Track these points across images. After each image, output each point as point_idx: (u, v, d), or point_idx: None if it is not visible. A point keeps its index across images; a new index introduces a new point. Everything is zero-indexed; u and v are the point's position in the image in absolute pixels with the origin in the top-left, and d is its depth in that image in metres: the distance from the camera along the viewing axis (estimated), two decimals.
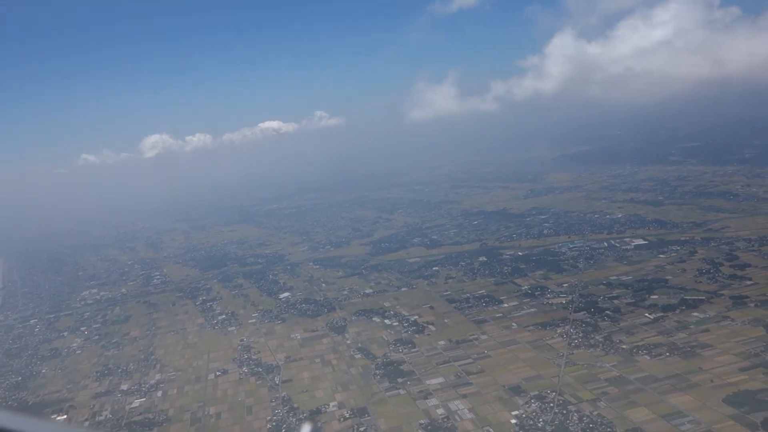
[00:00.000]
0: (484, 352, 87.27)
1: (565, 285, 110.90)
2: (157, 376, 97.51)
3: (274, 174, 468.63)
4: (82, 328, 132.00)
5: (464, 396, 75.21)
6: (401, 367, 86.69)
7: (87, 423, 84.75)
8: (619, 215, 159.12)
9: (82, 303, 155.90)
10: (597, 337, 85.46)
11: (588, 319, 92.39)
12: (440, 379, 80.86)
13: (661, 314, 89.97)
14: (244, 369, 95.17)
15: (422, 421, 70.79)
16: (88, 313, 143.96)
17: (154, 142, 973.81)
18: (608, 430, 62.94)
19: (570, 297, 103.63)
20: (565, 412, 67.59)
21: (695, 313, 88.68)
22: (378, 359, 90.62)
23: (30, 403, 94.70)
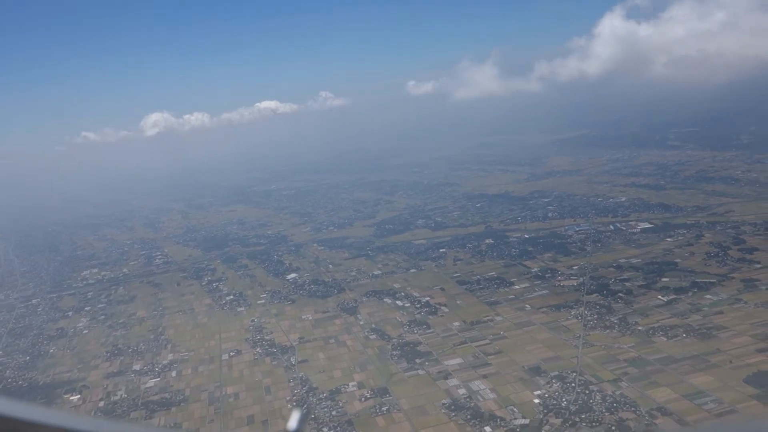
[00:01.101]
0: (500, 333, 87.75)
1: (574, 267, 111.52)
2: (170, 357, 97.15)
3: (271, 155, 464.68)
4: (87, 308, 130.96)
5: (484, 376, 75.70)
6: (418, 347, 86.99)
7: (102, 403, 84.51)
8: (623, 199, 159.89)
9: (84, 283, 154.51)
10: (612, 319, 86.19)
11: (601, 301, 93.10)
12: (458, 360, 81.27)
13: (674, 297, 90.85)
14: (258, 349, 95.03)
15: (444, 401, 71.20)
16: (91, 293, 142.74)
17: (155, 121, 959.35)
18: (632, 409, 63.69)
19: (581, 279, 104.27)
20: (587, 392, 68.26)
21: (708, 296, 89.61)
22: (393, 340, 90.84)
23: (41, 383, 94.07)
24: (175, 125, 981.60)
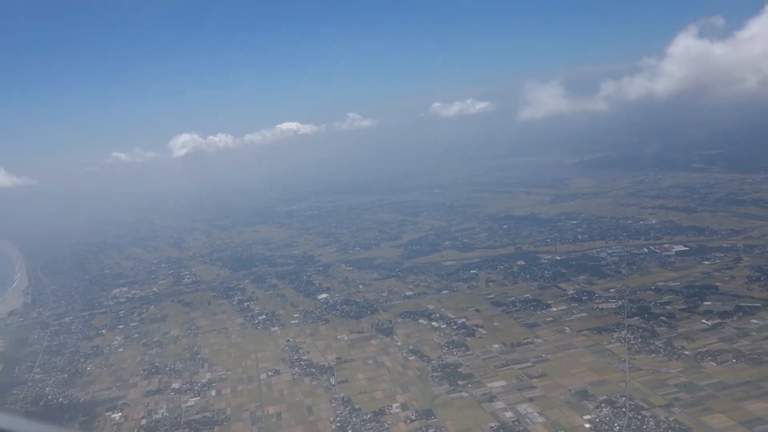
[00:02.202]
0: (542, 356, 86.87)
1: (611, 290, 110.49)
2: (208, 375, 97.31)
3: (292, 176, 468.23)
4: (120, 326, 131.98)
5: (530, 399, 74.83)
6: (459, 369, 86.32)
7: (144, 421, 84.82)
8: (653, 221, 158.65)
9: (115, 301, 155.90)
10: (657, 343, 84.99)
11: (643, 325, 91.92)
12: (502, 382, 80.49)
13: (718, 321, 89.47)
14: (296, 369, 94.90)
15: (492, 424, 70.44)
16: (123, 312, 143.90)
17: (184, 142, 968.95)
18: None
19: (620, 302, 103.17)
20: (639, 417, 67.16)
21: (753, 320, 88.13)
22: (433, 361, 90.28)
23: (81, 401, 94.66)
24: (203, 146, 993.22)
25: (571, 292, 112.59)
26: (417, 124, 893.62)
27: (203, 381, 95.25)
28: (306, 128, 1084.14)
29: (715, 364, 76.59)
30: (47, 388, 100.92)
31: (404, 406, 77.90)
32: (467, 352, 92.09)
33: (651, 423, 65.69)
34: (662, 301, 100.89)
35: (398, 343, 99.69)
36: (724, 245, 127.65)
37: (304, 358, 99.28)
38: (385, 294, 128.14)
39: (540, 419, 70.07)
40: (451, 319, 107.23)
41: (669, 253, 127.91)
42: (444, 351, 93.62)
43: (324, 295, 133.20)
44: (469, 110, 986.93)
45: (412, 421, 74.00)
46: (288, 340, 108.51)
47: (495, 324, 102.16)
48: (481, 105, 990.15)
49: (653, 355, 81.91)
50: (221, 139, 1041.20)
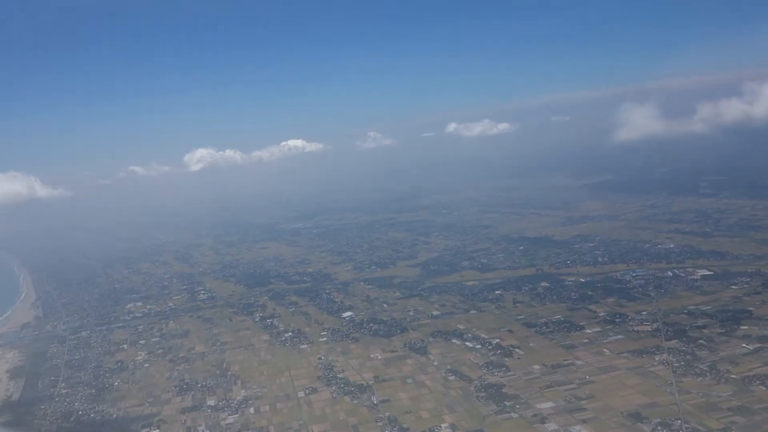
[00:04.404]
0: (585, 378, 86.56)
1: (643, 312, 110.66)
2: (242, 393, 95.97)
3: (295, 193, 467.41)
4: (141, 342, 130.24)
5: (583, 421, 74.39)
6: (503, 390, 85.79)
7: None
8: (671, 245, 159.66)
9: (131, 316, 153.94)
10: (701, 366, 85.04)
11: (683, 348, 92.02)
12: (550, 404, 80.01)
13: (759, 345, 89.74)
14: (333, 388, 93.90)
15: None
16: (141, 327, 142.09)
17: (201, 156, 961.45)
18: None
19: (654, 325, 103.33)
20: None
21: None
22: (475, 381, 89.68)
23: (114, 417, 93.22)
24: (219, 160, 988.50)
25: (603, 314, 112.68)
26: (427, 144, 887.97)
27: (239, 398, 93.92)
28: (312, 146, 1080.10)
29: (764, 388, 76.63)
30: (76, 404, 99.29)
31: (453, 427, 77.18)
32: (508, 373, 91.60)
33: None
34: (697, 324, 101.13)
35: (435, 363, 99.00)
36: (749, 270, 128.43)
37: (339, 376, 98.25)
38: (411, 313, 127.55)
39: None
40: (485, 339, 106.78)
41: (694, 277, 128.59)
42: (484, 371, 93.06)
43: (349, 314, 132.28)
44: (486, 131, 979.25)
45: None
46: (320, 358, 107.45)
47: (531, 345, 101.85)
48: (501, 126, 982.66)
49: (700, 378, 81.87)
50: (232, 155, 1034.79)
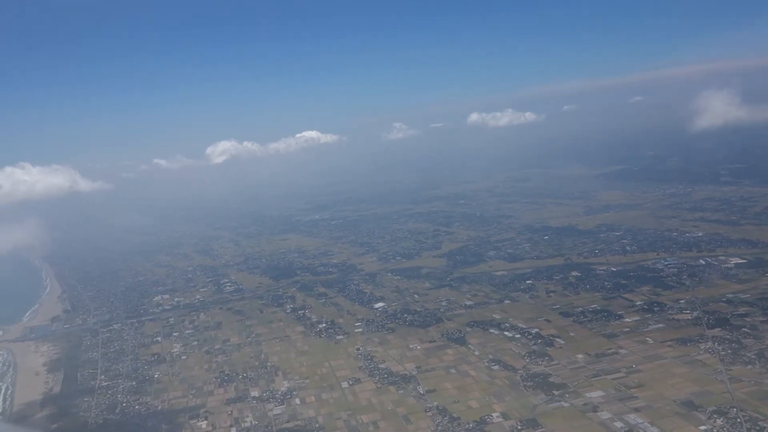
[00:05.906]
0: (632, 367, 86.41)
1: (681, 301, 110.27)
2: (285, 384, 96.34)
3: (310, 185, 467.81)
4: (175, 334, 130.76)
5: (636, 410, 74.30)
6: (549, 379, 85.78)
7: (234, 429, 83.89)
8: (700, 234, 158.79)
9: (160, 308, 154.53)
10: (748, 354, 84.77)
11: (728, 336, 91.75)
12: (599, 392, 79.97)
13: None
14: (377, 378, 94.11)
15: None
16: (172, 319, 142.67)
17: (224, 149, 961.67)
18: None
19: (695, 313, 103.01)
20: (757, 428, 66.77)
21: None
22: (519, 371, 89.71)
23: (159, 408, 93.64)
24: (242, 152, 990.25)
25: (640, 303, 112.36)
26: (449, 136, 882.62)
27: (282, 389, 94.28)
28: (327, 137, 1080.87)
29: None
30: (119, 396, 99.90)
31: (505, 416, 77.22)
32: (552, 362, 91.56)
33: None
34: (738, 312, 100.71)
35: (476, 353, 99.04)
36: None
37: (381, 366, 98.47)
38: (444, 303, 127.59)
39: (654, 429, 69.54)
40: (523, 329, 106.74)
41: (728, 265, 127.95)
42: (527, 361, 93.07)
43: (381, 304, 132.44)
44: (512, 121, 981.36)
45: (518, 431, 73.32)
46: (358, 349, 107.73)
47: (571, 334, 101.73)
48: (527, 115, 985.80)
49: (749, 366, 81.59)
50: (251, 147, 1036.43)
